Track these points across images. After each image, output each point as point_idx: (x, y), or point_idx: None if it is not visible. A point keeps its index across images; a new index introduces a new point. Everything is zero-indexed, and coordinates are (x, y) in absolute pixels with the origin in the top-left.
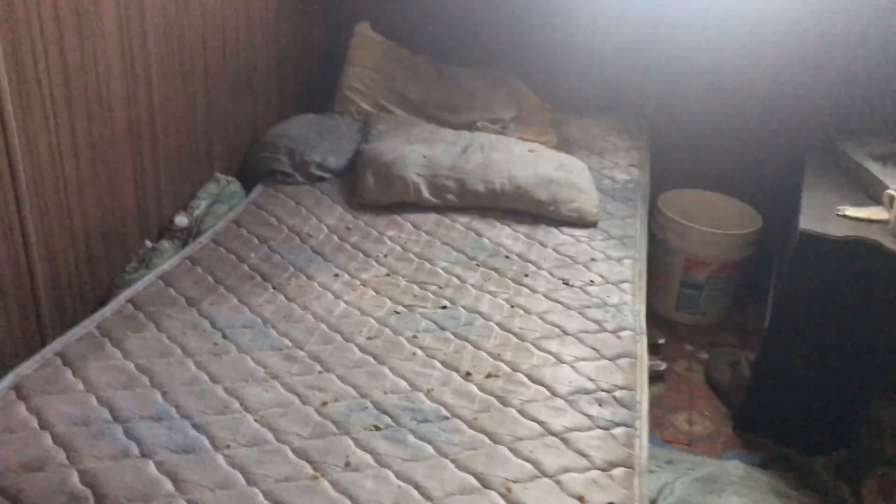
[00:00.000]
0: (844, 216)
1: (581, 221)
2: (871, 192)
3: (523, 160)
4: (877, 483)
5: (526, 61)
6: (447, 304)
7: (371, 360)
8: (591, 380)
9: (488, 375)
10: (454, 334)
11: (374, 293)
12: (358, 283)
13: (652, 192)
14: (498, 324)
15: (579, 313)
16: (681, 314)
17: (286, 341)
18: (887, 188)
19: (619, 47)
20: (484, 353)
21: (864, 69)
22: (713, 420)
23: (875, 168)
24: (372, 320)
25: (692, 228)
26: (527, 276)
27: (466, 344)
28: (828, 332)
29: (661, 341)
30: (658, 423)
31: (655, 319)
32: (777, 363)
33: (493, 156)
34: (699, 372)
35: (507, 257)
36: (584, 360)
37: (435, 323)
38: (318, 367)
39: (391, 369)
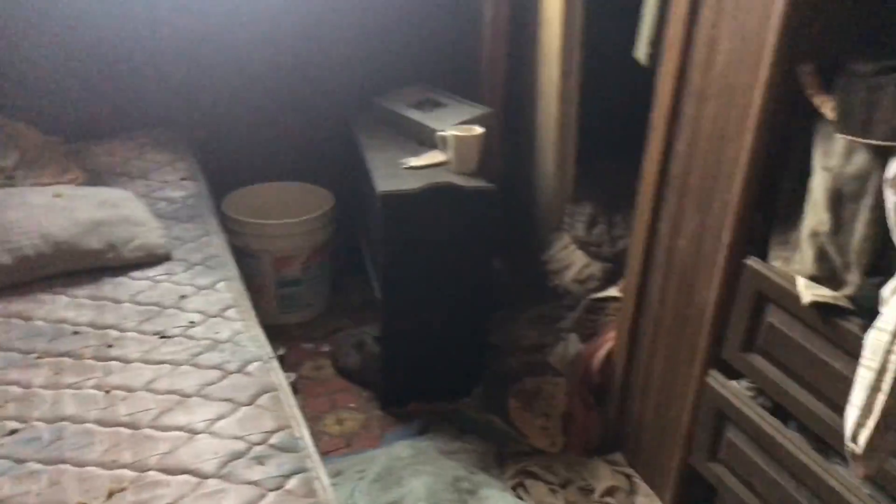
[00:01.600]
0: (410, 167)
1: (151, 258)
2: (422, 139)
3: (52, 210)
4: (516, 400)
5: (7, 93)
6: (17, 425)
7: None
8: (239, 438)
9: (111, 494)
10: (42, 461)
11: None
12: None
13: (217, 200)
14: (97, 422)
15: (192, 366)
16: (287, 315)
17: None
18: (435, 130)
19: (115, 53)
20: (94, 469)
21: (386, 26)
22: (361, 409)
23: (417, 115)
24: None
25: (266, 225)
26: (111, 346)
27: (64, 467)
28: (434, 279)
29: (281, 352)
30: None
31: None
32: (400, 327)
33: (9, 215)
34: (328, 367)
35: (76, 333)
36: (221, 417)
37: (8, 458)
38: None
39: None
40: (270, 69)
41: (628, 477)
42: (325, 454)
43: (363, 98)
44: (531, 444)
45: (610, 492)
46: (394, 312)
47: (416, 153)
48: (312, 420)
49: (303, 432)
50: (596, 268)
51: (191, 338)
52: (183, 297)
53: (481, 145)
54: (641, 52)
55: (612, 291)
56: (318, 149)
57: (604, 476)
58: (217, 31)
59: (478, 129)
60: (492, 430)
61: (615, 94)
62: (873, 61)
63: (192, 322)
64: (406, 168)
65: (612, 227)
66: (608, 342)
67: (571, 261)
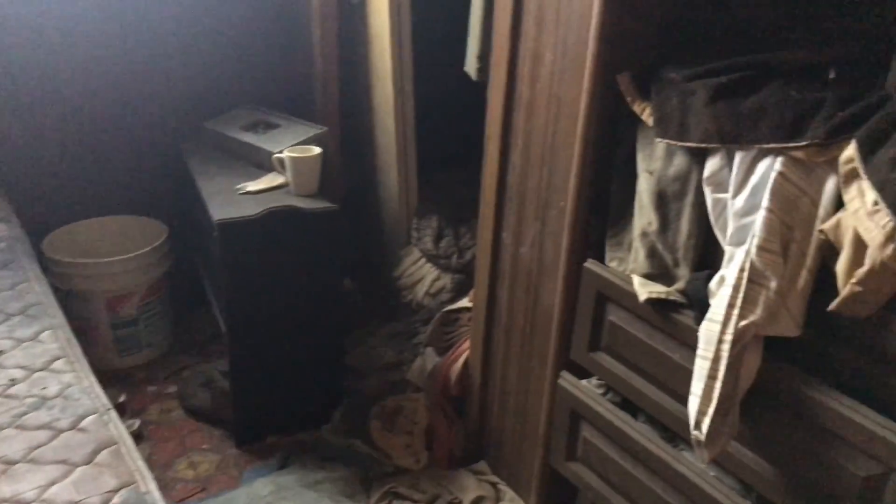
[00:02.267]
0: (248, 192)
1: None
2: (258, 162)
3: None
4: (377, 420)
5: None
6: None
7: None
8: (76, 503)
9: None
10: None
11: None
12: None
13: (37, 241)
14: None
15: (17, 429)
16: (126, 358)
17: None
18: (270, 153)
19: None
20: None
21: (213, 48)
22: (215, 449)
23: (250, 138)
24: None
25: (92, 264)
26: None
27: None
28: (282, 306)
29: (122, 399)
30: (163, 487)
31: (100, 378)
32: (249, 359)
33: None
34: (176, 409)
35: None
36: (54, 483)
37: None
38: None
39: None
40: (91, 98)
41: (494, 485)
42: (180, 502)
43: (194, 124)
44: (396, 463)
45: (476, 502)
46: (241, 345)
47: (252, 177)
48: (163, 467)
49: (149, 486)
50: (447, 280)
51: (13, 397)
52: (0, 352)
53: (319, 165)
54: (471, 66)
55: (464, 302)
56: (148, 179)
57: (469, 487)
58: (29, 60)
59: (315, 150)
60: (355, 455)
61: (451, 106)
62: (685, 68)
63: (12, 380)
64: (243, 193)
65: (459, 238)
66: (464, 353)
67: (422, 275)
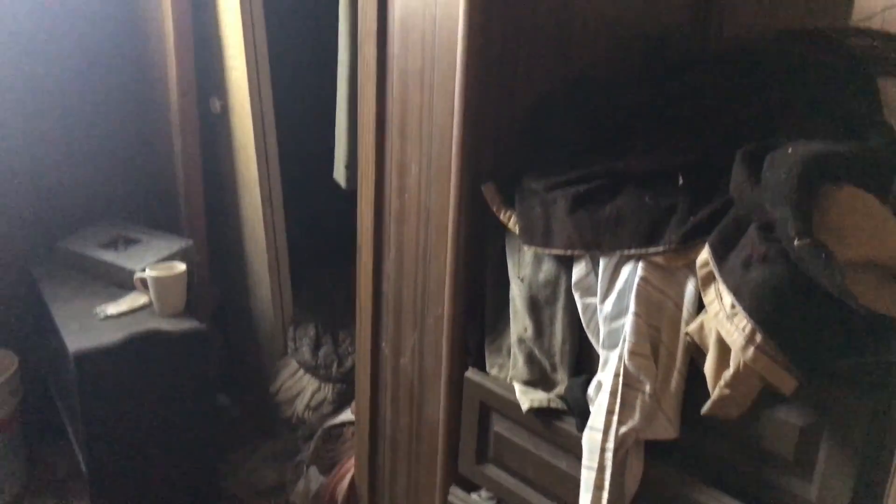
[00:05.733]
0: (108, 317)
1: None
2: (118, 281)
3: None
4: None
5: None
6: None
7: None
8: None
9: None
10: None
11: None
12: None
13: None
14: None
15: None
16: None
17: None
18: (131, 272)
19: None
20: None
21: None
22: None
23: (109, 256)
24: None
25: None
26: None
27: None
28: (149, 435)
29: None
30: None
31: None
32: (113, 499)
33: None
34: None
35: None
36: None
37: None
38: None
39: None
40: None
41: None
42: None
43: (45, 242)
44: None
45: None
46: (104, 483)
47: (113, 298)
48: None
49: None
50: (328, 390)
51: None
52: None
53: (185, 283)
54: (340, 174)
55: (347, 415)
56: None
57: None
58: None
59: (180, 267)
60: None
61: (320, 209)
62: (543, 178)
63: None
64: (103, 319)
65: (338, 345)
66: (349, 471)
67: (302, 387)
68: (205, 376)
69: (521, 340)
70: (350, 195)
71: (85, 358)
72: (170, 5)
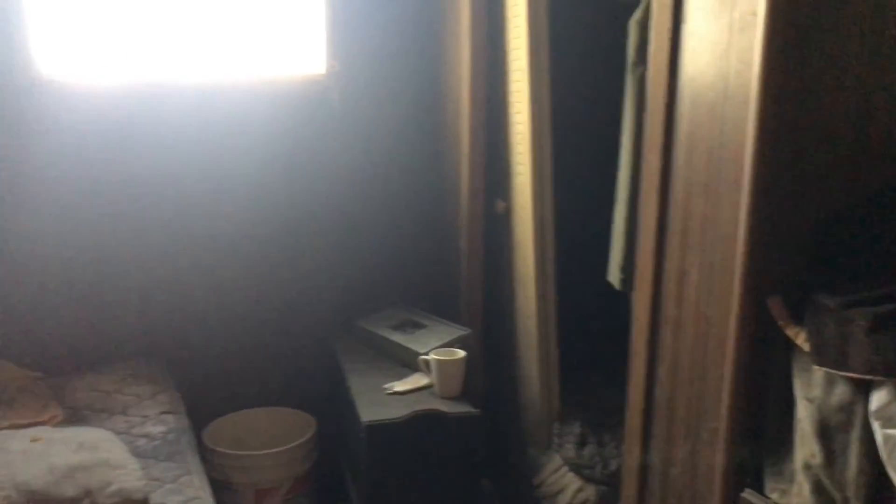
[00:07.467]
0: (395, 393)
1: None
2: (406, 361)
3: (28, 456)
4: None
5: None
6: None
7: None
8: None
9: None
10: None
11: None
12: None
13: (197, 429)
14: None
15: None
16: None
17: None
18: (417, 353)
19: (93, 285)
20: None
21: (366, 248)
22: None
23: (398, 337)
24: None
25: (248, 456)
26: None
27: None
28: None
29: None
30: None
31: None
32: None
33: None
34: None
35: None
36: None
37: None
38: None
39: None
40: (251, 297)
41: None
42: None
43: (344, 320)
44: None
45: None
46: None
47: (399, 376)
48: None
49: None
50: (590, 492)
51: None
52: None
53: (464, 368)
54: (614, 276)
55: None
56: (299, 372)
57: None
58: (200, 263)
59: (460, 353)
60: None
61: (594, 309)
62: (837, 295)
63: None
64: (390, 393)
65: (602, 447)
66: None
67: (564, 484)
68: (473, 459)
69: (807, 466)
70: (624, 297)
71: (375, 428)
72: (468, 117)
